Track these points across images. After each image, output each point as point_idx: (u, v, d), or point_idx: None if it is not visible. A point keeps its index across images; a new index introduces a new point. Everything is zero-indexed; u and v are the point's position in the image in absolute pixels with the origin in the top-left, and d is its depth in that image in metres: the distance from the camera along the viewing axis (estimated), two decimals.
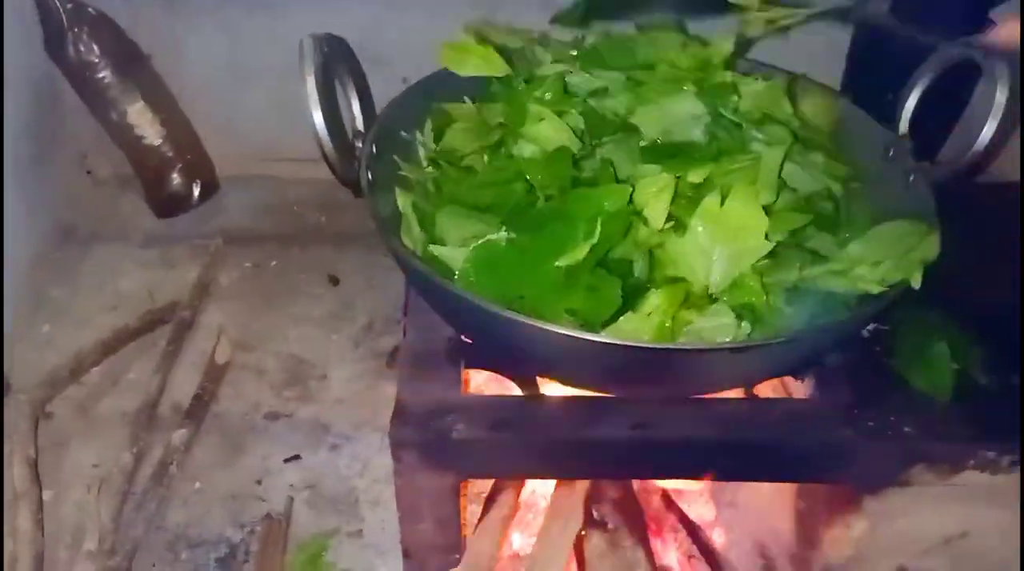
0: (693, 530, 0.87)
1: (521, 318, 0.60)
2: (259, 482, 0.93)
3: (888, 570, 0.77)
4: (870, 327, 0.75)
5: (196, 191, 1.26)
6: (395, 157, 0.78)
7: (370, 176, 0.75)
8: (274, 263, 1.22)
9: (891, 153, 0.78)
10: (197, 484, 0.93)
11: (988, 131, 0.71)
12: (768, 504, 0.84)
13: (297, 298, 1.17)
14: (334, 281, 1.20)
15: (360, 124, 0.81)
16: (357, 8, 1.13)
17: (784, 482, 0.77)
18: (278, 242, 1.25)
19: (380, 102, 0.84)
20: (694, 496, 0.91)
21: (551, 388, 0.76)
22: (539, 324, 0.60)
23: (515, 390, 0.79)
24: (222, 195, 1.30)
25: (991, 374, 0.73)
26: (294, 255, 1.23)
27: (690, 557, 0.86)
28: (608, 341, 0.59)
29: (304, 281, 1.19)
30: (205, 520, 0.89)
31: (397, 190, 0.74)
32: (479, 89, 0.87)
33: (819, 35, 1.05)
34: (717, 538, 0.89)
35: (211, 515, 0.90)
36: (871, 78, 1.00)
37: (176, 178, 1.25)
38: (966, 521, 0.73)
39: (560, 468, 0.73)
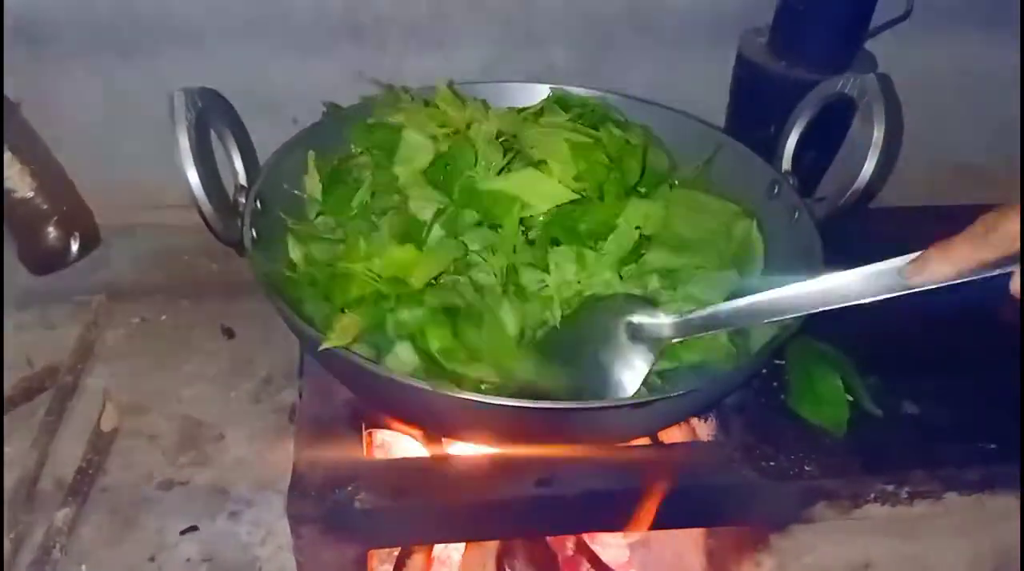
0: None
1: (418, 384, 0.58)
2: (152, 559, 0.88)
3: None
4: None
5: (75, 245, 1.19)
6: (281, 213, 0.76)
7: (254, 233, 0.72)
8: (164, 317, 1.16)
9: (776, 190, 0.79)
10: (84, 567, 0.87)
11: (868, 169, 0.73)
12: (680, 544, 0.85)
13: (190, 354, 1.11)
14: (229, 334, 1.14)
15: (243, 178, 0.78)
16: (237, 51, 1.10)
17: (693, 527, 0.77)
18: (167, 295, 1.19)
19: (271, 145, 0.81)
20: (608, 538, 0.91)
21: (456, 446, 0.74)
22: (438, 390, 0.59)
23: (420, 447, 0.77)
24: (104, 247, 1.23)
25: (882, 404, 0.75)
26: (185, 308, 1.17)
27: None
28: (507, 404, 0.58)
29: (197, 335, 1.14)
30: None
31: (290, 244, 0.72)
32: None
33: (703, 68, 1.08)
34: None
35: None
36: (753, 113, 1.03)
37: (52, 232, 1.18)
38: (868, 552, 0.75)
39: (469, 531, 0.72)
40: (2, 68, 1.07)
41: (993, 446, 0.72)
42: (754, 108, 1.01)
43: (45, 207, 1.16)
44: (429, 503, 0.67)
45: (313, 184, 0.78)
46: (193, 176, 0.67)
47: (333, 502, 0.66)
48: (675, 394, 0.59)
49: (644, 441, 0.73)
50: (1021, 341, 0.77)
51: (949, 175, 1.24)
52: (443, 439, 0.75)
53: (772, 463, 0.69)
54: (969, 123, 1.19)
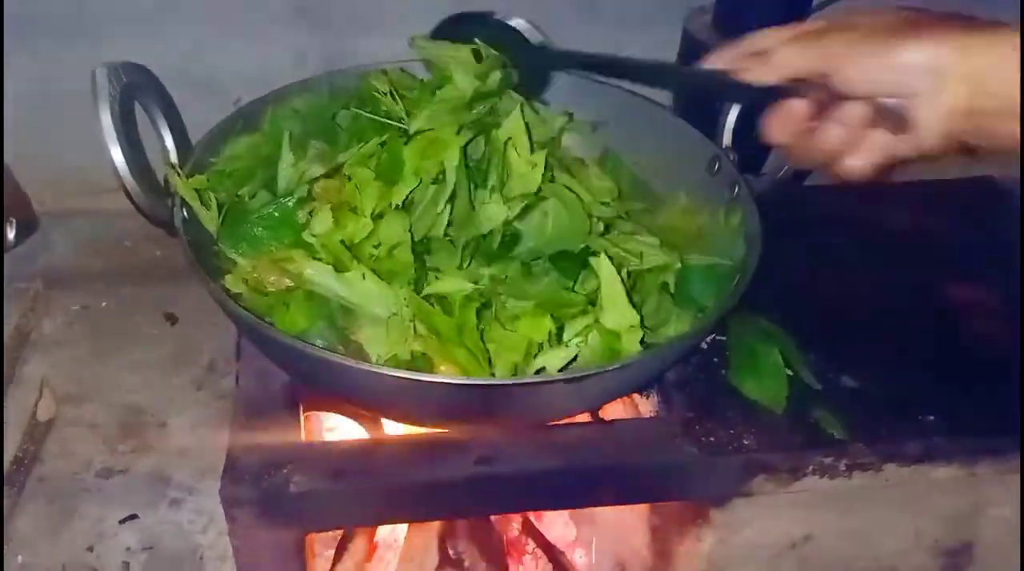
0: (553, 553, 0.86)
1: (354, 364, 0.57)
2: (91, 549, 0.86)
3: None
4: (708, 338, 0.77)
5: (11, 231, 1.16)
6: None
7: (185, 213, 0.70)
8: (104, 304, 1.13)
9: (716, 166, 0.79)
10: (20, 558, 0.84)
11: None
12: (625, 521, 0.84)
13: (131, 341, 1.08)
14: (171, 320, 1.12)
15: (174, 157, 0.76)
16: (178, 32, 1.07)
17: (633, 503, 0.77)
18: (108, 281, 1.16)
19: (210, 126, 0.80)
20: (553, 517, 0.91)
21: (395, 427, 0.73)
22: (372, 369, 0.58)
23: (359, 430, 0.76)
24: (42, 233, 1.19)
25: (821, 377, 0.75)
26: (126, 294, 1.15)
27: None
28: (440, 381, 0.57)
29: (138, 322, 1.11)
30: None
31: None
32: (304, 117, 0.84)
33: (647, 47, 1.07)
34: (578, 559, 0.88)
35: None
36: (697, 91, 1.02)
37: None
38: (808, 525, 0.75)
39: (408, 512, 0.71)
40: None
41: (932, 418, 0.72)
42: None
43: None
44: (366, 485, 0.66)
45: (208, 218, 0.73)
46: (117, 154, 0.65)
47: (268, 485, 0.65)
48: (610, 368, 0.58)
49: (585, 418, 0.73)
50: (1021, 327, 0.78)
51: None
52: (382, 421, 0.74)
53: (712, 438, 0.69)
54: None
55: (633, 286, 0.68)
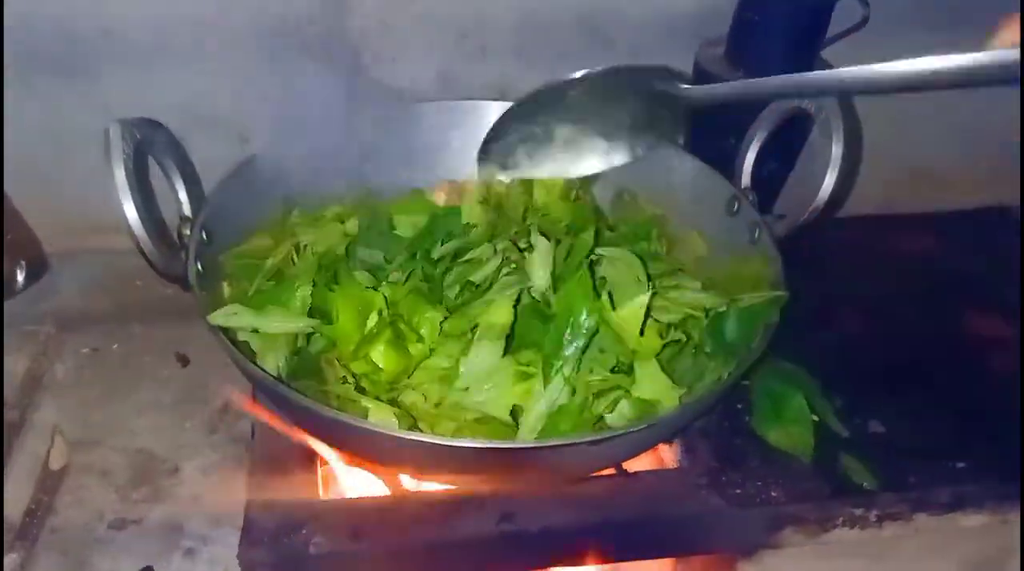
0: None
1: (374, 427, 0.56)
2: None
3: None
4: None
5: (21, 274, 1.15)
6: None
7: (200, 267, 0.69)
8: (115, 346, 1.12)
9: (736, 207, 0.78)
10: None
11: (828, 185, 0.72)
12: (649, 569, 0.83)
13: (143, 384, 1.07)
14: (183, 361, 1.11)
15: (187, 209, 0.75)
16: (183, 71, 1.06)
17: (659, 558, 0.76)
18: (119, 322, 1.15)
19: (219, 165, 0.79)
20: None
21: (416, 484, 0.72)
22: (393, 432, 0.56)
23: (378, 484, 0.74)
24: (52, 275, 1.18)
25: (847, 424, 0.74)
26: (137, 335, 1.14)
27: None
28: (464, 445, 0.56)
29: (150, 364, 1.10)
30: None
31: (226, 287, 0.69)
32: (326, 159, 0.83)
33: None
34: None
35: None
36: (711, 125, 1.01)
37: None
38: None
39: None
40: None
41: (962, 465, 0.71)
42: (712, 122, 1.00)
43: None
44: (387, 545, 0.64)
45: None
46: (131, 211, 0.64)
47: (287, 548, 0.63)
48: (636, 429, 0.57)
49: (608, 470, 0.71)
50: (1021, 340, 0.77)
51: (905, 180, 1.23)
52: (399, 475, 0.73)
53: (739, 490, 0.68)
54: (925, 128, 1.19)
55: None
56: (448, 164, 0.91)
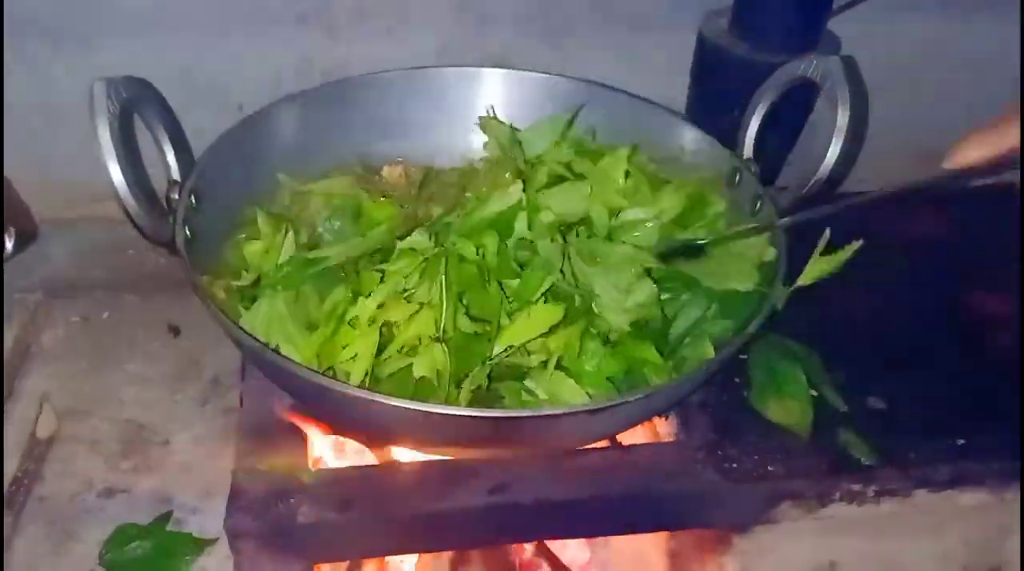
0: None
1: (365, 395, 0.55)
2: None
3: None
4: None
5: (10, 241, 1.13)
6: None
7: (188, 232, 0.68)
8: (106, 315, 1.11)
9: (738, 179, 0.76)
10: None
11: (832, 156, 0.70)
12: (642, 544, 0.82)
13: (134, 354, 1.06)
14: (175, 332, 1.10)
15: (175, 173, 0.73)
16: (177, 37, 1.04)
17: (654, 531, 0.75)
18: (110, 291, 1.13)
19: (213, 134, 0.77)
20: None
21: (404, 453, 0.71)
22: (384, 400, 0.55)
23: (367, 454, 0.73)
24: (42, 242, 1.16)
25: (846, 398, 0.72)
26: (129, 304, 1.12)
27: None
28: (457, 413, 0.55)
29: (141, 334, 1.09)
30: None
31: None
32: (306, 127, 0.82)
33: (662, 52, 1.05)
34: None
35: None
36: (715, 97, 1.00)
37: None
38: (835, 552, 0.73)
39: (419, 543, 0.69)
40: None
41: (962, 442, 0.70)
42: (717, 93, 0.98)
43: None
44: (376, 515, 0.63)
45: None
46: (116, 172, 0.62)
47: (274, 516, 0.62)
48: (633, 398, 0.55)
49: (602, 443, 0.70)
50: (1020, 329, 0.75)
51: (909, 160, 1.21)
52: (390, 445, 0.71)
53: (735, 464, 0.66)
54: (932, 107, 1.17)
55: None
56: (442, 132, 0.89)
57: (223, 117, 0.81)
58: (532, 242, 0.67)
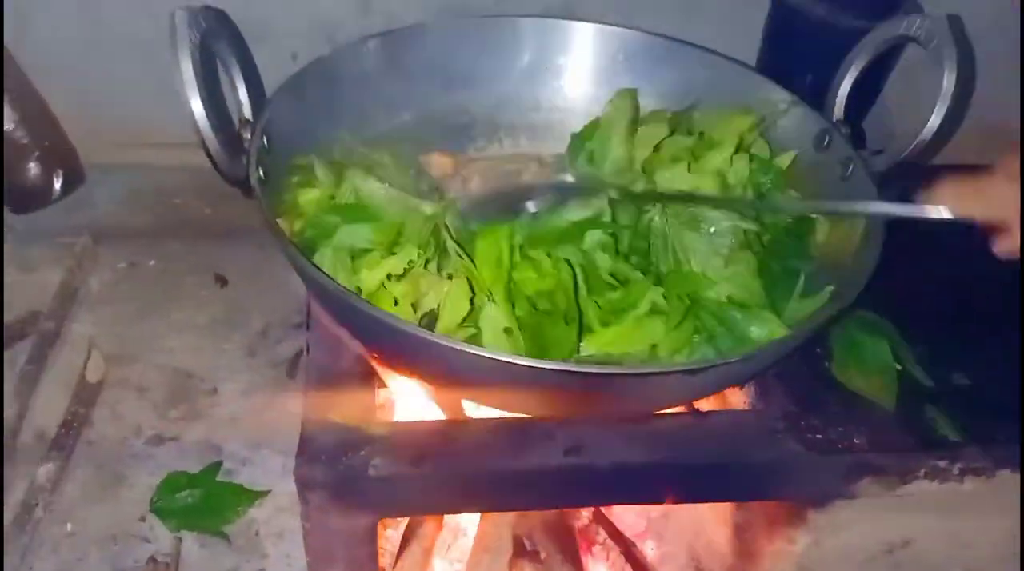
0: (625, 545, 0.82)
1: (448, 343, 0.53)
2: (142, 519, 0.82)
3: None
4: None
5: (57, 182, 1.11)
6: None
7: (261, 173, 0.65)
8: (152, 262, 1.09)
9: (826, 141, 0.73)
10: (69, 526, 0.81)
11: (936, 119, 0.67)
12: (702, 515, 0.80)
13: (180, 302, 1.05)
14: (222, 281, 1.08)
15: (247, 112, 0.71)
16: None
17: (729, 501, 0.73)
18: (156, 238, 1.12)
19: (268, 82, 0.75)
20: (624, 507, 0.86)
21: (477, 410, 0.69)
22: (469, 349, 0.53)
23: (437, 411, 0.71)
24: (88, 186, 1.15)
25: (933, 374, 0.70)
26: (175, 253, 1.11)
27: None
28: (553, 367, 0.52)
29: (188, 282, 1.07)
30: (79, 569, 0.78)
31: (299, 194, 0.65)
32: (377, 72, 0.79)
33: (734, 10, 1.01)
34: (649, 551, 0.84)
35: (86, 562, 0.78)
36: (789, 60, 0.96)
37: (33, 168, 1.10)
38: (910, 530, 0.71)
39: (490, 501, 0.67)
40: None
41: None
42: (791, 55, 0.95)
43: (26, 142, 1.08)
44: (450, 471, 0.61)
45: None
46: (197, 106, 0.59)
47: (345, 468, 0.60)
48: (733, 359, 0.53)
49: (679, 409, 0.68)
50: (1021, 326, 0.73)
51: (976, 138, 1.17)
52: (461, 401, 0.70)
53: (819, 436, 0.64)
54: (1005, 81, 1.13)
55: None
56: (508, 84, 0.86)
57: (277, 65, 0.78)
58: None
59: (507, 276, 0.60)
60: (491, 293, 0.59)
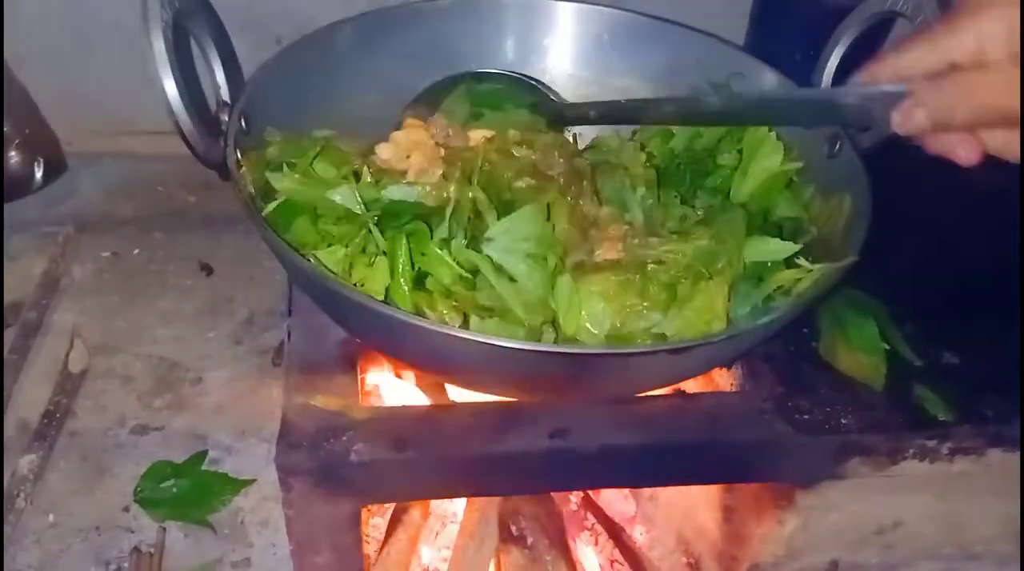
0: (614, 529, 0.81)
1: (429, 325, 0.52)
2: (126, 509, 0.81)
3: (820, 565, 0.73)
4: None
5: (39, 171, 1.10)
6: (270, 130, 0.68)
7: (238, 155, 0.64)
8: (136, 251, 1.08)
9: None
10: (51, 517, 0.80)
11: None
12: (691, 499, 0.79)
13: (165, 291, 1.03)
14: (207, 270, 1.07)
15: (225, 94, 0.70)
16: None
17: (717, 483, 0.72)
18: (140, 227, 1.10)
19: (251, 68, 0.73)
20: (612, 491, 0.86)
21: (457, 392, 0.68)
22: (451, 332, 0.52)
23: (419, 396, 0.70)
24: (71, 174, 1.14)
25: (919, 352, 0.69)
26: (159, 241, 1.09)
27: (612, 562, 0.80)
28: (535, 349, 0.52)
29: (172, 271, 1.06)
30: (62, 560, 0.77)
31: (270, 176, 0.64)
32: (359, 53, 0.78)
33: None
34: (638, 536, 0.83)
35: (70, 553, 0.77)
36: (777, 38, 0.95)
37: (14, 156, 1.09)
38: (900, 510, 0.70)
39: (475, 486, 0.66)
40: None
41: None
42: (779, 33, 0.94)
43: (6, 130, 1.07)
44: (433, 455, 0.60)
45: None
46: (171, 86, 0.58)
47: (327, 453, 0.59)
48: (717, 339, 0.52)
49: (664, 390, 0.67)
50: (1021, 321, 0.72)
51: None
52: (444, 385, 0.69)
53: (807, 416, 0.63)
54: None
55: None
56: (494, 65, 0.84)
57: (261, 50, 0.77)
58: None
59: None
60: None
